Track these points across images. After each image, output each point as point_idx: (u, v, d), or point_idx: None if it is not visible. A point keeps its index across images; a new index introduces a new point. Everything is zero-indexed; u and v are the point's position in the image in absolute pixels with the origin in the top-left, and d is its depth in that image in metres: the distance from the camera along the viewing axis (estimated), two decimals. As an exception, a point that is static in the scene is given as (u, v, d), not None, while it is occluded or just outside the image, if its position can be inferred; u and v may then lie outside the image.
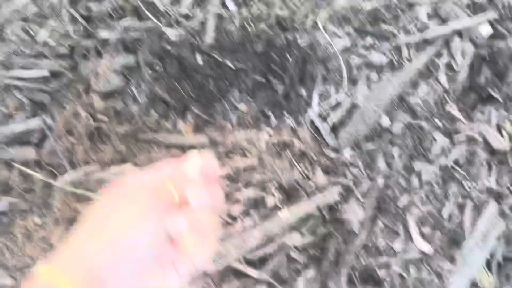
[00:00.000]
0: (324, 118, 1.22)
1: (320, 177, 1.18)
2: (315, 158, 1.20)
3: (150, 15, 1.32)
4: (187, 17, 1.33)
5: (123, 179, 0.59)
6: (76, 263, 0.51)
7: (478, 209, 1.14)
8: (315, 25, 1.30)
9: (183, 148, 1.29)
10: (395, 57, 1.21)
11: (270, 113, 1.38)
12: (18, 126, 1.28)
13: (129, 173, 0.59)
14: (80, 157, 1.25)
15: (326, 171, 1.21)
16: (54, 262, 0.51)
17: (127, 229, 0.53)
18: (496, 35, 1.26)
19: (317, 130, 1.23)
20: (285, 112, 1.36)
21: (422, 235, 1.16)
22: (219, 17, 1.34)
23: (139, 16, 1.34)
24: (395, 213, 1.17)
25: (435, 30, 1.22)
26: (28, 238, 1.27)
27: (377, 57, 1.21)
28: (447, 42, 1.23)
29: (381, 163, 1.16)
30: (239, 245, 1.11)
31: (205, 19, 1.33)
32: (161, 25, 1.31)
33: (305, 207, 1.14)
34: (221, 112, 1.36)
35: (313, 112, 1.22)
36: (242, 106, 1.38)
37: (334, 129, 1.22)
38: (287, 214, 1.13)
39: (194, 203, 0.55)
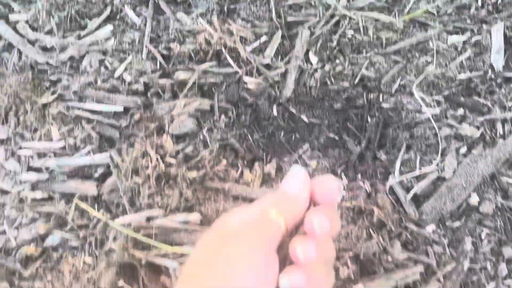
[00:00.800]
0: (406, 189, 1.16)
1: (399, 252, 1.11)
2: (394, 229, 1.14)
3: (231, 61, 1.31)
4: (268, 67, 1.32)
5: (228, 216, 0.54)
6: None
7: None
8: (402, 89, 1.27)
9: (250, 200, 1.24)
10: (488, 132, 1.16)
11: (342, 174, 1.33)
12: (83, 159, 1.26)
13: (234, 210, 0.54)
14: (144, 199, 1.22)
15: (406, 246, 1.14)
16: None
17: (234, 276, 0.49)
18: None
19: (397, 199, 1.18)
20: (359, 176, 1.32)
21: (508, 329, 1.07)
22: (301, 70, 1.33)
23: (220, 61, 1.34)
24: (479, 301, 1.09)
25: (532, 107, 1.17)
26: (75, 278, 1.22)
27: (468, 130, 1.17)
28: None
29: (467, 245, 1.09)
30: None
31: (286, 71, 1.32)
32: (241, 72, 1.30)
33: (382, 283, 1.07)
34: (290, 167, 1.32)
35: (394, 180, 1.17)
36: (313, 163, 1.34)
37: (417, 201, 1.16)
38: (362, 289, 1.06)
39: (316, 231, 0.50)
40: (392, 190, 1.17)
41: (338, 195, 0.53)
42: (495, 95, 1.19)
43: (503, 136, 1.16)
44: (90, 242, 1.22)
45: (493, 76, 1.20)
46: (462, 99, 1.21)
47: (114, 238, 1.22)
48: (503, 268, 1.08)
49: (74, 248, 1.23)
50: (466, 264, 1.08)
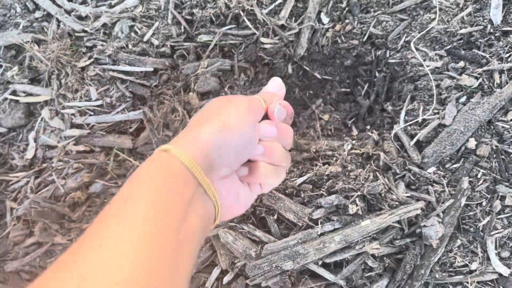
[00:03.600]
0: (410, 135, 1.30)
1: (402, 191, 1.25)
2: (398, 172, 1.27)
3: (249, 24, 1.44)
4: (283, 28, 1.45)
5: (227, 95, 0.80)
6: (193, 144, 0.62)
7: (561, 238, 1.19)
8: (407, 45, 1.39)
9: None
10: (486, 82, 1.28)
11: (352, 125, 1.47)
12: (118, 116, 1.43)
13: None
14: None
15: (409, 186, 1.28)
16: (174, 143, 0.63)
17: (234, 119, 0.67)
18: None
19: (401, 145, 1.31)
20: (368, 126, 1.45)
21: (500, 257, 1.21)
22: (313, 30, 1.46)
23: (239, 24, 1.47)
24: (474, 234, 1.22)
25: (528, 59, 1.28)
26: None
27: (468, 81, 1.28)
28: (540, 72, 1.29)
29: (464, 184, 1.23)
30: (319, 248, 1.20)
31: (300, 31, 1.44)
32: (258, 33, 1.44)
33: (386, 218, 1.22)
34: (305, 120, 1.46)
35: (399, 127, 1.31)
36: (325, 116, 1.48)
37: (420, 146, 1.29)
38: (369, 223, 1.21)
39: (276, 114, 0.77)
40: (397, 137, 1.31)
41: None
42: (493, 48, 1.30)
43: (500, 86, 1.27)
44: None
45: (491, 30, 1.31)
46: (462, 52, 1.32)
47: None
48: (497, 204, 1.21)
49: (114, 194, 1.41)
50: (463, 201, 1.22)
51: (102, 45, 1.46)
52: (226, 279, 1.23)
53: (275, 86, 0.85)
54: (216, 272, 1.24)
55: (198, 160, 0.60)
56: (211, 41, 1.43)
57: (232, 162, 0.68)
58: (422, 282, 1.21)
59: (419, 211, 1.20)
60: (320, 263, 1.22)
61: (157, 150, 0.62)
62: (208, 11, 1.44)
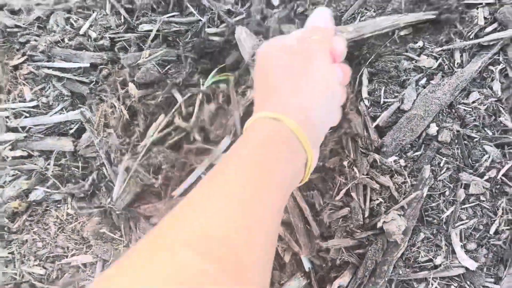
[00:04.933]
0: (373, 118, 1.21)
1: (365, 167, 1.16)
2: (362, 150, 1.19)
3: (192, 10, 1.34)
4: (230, 13, 1.35)
5: (271, 42, 0.69)
6: (301, 112, 0.59)
7: (529, 226, 1.11)
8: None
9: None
10: (446, 62, 1.19)
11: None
12: (57, 117, 1.33)
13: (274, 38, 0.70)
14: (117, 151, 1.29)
15: (372, 166, 1.19)
16: (281, 111, 0.59)
17: (325, 79, 0.63)
18: (557, 43, 1.22)
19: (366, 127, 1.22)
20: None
21: (466, 250, 1.14)
22: (263, 14, 1.36)
23: (182, 10, 1.37)
24: (438, 226, 1.15)
25: (492, 35, 1.19)
26: (60, 228, 1.31)
27: (427, 62, 1.20)
28: (503, 49, 1.20)
29: (426, 173, 1.15)
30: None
31: (249, 15, 1.35)
32: (204, 20, 1.34)
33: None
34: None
35: (362, 108, 1.22)
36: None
37: (381, 132, 1.21)
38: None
39: (338, 47, 0.70)
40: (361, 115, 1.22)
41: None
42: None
43: (461, 65, 1.19)
44: (72, 195, 1.31)
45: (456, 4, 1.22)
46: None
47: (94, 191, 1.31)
48: (461, 193, 1.14)
49: (56, 201, 1.32)
50: (425, 191, 1.14)
51: (35, 40, 1.35)
52: None
53: (325, 18, 0.73)
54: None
55: (306, 131, 0.58)
56: (153, 29, 1.33)
57: (329, 124, 0.68)
58: (386, 279, 1.14)
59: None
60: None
61: (261, 116, 0.59)
62: (149, -2, 1.34)
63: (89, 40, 1.34)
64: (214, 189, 0.49)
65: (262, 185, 0.50)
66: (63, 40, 1.34)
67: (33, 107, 1.32)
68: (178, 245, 0.42)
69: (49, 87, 1.32)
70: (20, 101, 1.32)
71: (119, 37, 1.35)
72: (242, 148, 0.55)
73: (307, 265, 1.20)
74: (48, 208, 1.30)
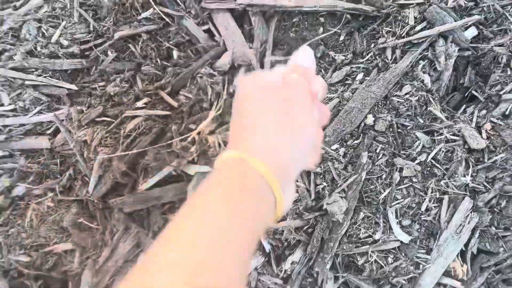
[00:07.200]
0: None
1: None
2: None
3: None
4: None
5: (252, 78, 0.67)
6: (272, 155, 0.57)
7: (454, 203, 1.27)
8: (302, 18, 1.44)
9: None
10: (379, 60, 1.34)
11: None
12: (34, 118, 1.47)
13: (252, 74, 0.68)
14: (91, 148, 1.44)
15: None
16: (249, 151, 0.57)
17: (303, 121, 0.61)
18: (480, 38, 1.37)
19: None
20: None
21: (401, 226, 1.29)
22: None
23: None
24: (376, 205, 1.31)
25: (421, 33, 1.33)
26: (41, 220, 1.46)
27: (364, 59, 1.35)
28: (432, 45, 1.35)
29: (364, 159, 1.30)
30: None
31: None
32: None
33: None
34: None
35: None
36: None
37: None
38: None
39: (321, 98, 0.68)
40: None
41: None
42: (388, 24, 1.36)
43: (395, 61, 1.34)
44: (52, 189, 1.46)
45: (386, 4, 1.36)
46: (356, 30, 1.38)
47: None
48: (396, 176, 1.29)
49: (37, 196, 1.47)
50: (364, 175, 1.30)
51: (10, 50, 1.48)
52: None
53: (308, 58, 0.73)
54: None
55: (277, 174, 0.56)
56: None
57: (302, 166, 0.65)
58: (332, 254, 1.30)
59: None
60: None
61: (231, 157, 0.58)
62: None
63: (60, 48, 1.48)
64: (180, 235, 0.50)
65: (229, 229, 0.51)
66: (35, 48, 1.47)
67: (10, 110, 1.45)
68: None
69: (26, 93, 1.46)
70: (-1, 106, 1.46)
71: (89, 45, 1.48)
72: (209, 191, 0.55)
73: (267, 247, 1.35)
74: (29, 203, 1.44)
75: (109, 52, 1.47)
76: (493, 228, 1.26)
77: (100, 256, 1.41)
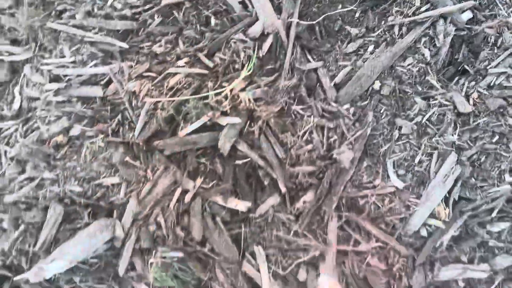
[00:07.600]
0: (331, 77, 1.62)
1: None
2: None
3: None
4: None
5: None
6: None
7: (442, 157, 1.53)
8: None
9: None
10: (390, 34, 1.59)
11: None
12: (90, 70, 1.72)
13: None
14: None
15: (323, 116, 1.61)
16: None
17: None
18: (474, 20, 1.61)
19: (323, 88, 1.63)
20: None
21: (397, 175, 1.56)
22: None
23: None
24: (377, 157, 1.57)
25: (425, 13, 1.58)
26: (94, 157, 1.71)
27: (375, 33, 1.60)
28: (433, 24, 1.59)
29: (369, 117, 1.56)
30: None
31: None
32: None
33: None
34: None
35: (321, 72, 1.63)
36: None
37: (338, 88, 1.62)
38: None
39: None
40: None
41: None
42: (396, 5, 1.61)
43: (401, 36, 1.59)
44: (103, 131, 1.71)
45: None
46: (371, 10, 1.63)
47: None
48: (395, 134, 1.54)
49: (90, 136, 1.72)
50: (369, 131, 1.56)
51: (70, 10, 1.72)
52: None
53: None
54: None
55: None
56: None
57: None
58: (338, 196, 1.57)
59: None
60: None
61: None
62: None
63: (115, 10, 1.72)
64: None
65: None
66: (93, 9, 1.71)
67: (71, 62, 1.70)
68: None
69: (84, 48, 1.70)
70: (60, 57, 1.71)
71: (141, 10, 1.73)
72: None
73: (283, 189, 1.61)
74: (84, 143, 1.70)
75: (156, 17, 1.70)
76: (473, 179, 1.52)
77: (142, 190, 1.65)
